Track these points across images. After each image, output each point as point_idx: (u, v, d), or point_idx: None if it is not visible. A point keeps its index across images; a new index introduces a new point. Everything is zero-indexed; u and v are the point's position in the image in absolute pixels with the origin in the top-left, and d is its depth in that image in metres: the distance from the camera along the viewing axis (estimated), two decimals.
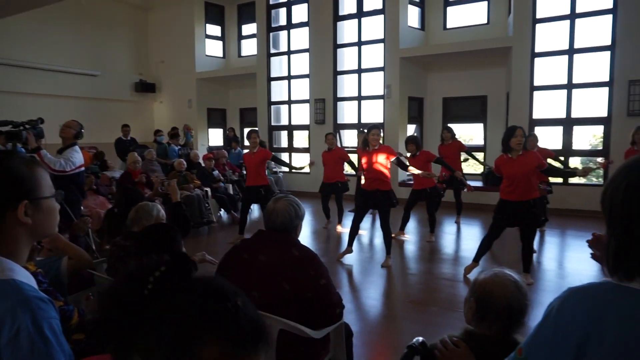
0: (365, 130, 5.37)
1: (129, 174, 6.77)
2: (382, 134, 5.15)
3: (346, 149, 7.88)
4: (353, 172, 7.58)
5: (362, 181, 5.40)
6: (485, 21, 9.22)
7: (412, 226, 7.22)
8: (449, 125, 9.84)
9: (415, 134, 6.39)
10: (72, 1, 10.13)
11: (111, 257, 2.66)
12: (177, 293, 0.73)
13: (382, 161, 5.05)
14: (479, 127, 9.77)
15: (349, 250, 5.48)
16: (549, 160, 6.21)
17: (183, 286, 0.74)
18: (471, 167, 10.53)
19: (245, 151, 7.10)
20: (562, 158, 7.21)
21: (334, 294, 2.16)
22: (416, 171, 5.31)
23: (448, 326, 3.57)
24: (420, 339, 1.50)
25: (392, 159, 5.07)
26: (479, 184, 9.09)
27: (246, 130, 12.72)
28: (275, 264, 2.14)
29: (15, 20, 8.81)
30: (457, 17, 9.59)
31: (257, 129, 7.15)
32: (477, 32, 9.09)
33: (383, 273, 5.01)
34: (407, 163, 5.33)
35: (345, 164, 7.17)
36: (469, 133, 11.24)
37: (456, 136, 7.42)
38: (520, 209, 4.39)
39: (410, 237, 6.61)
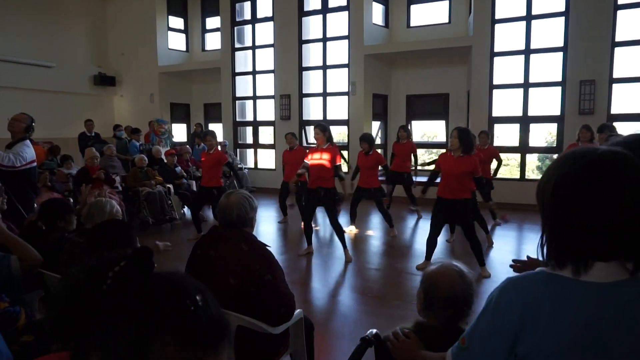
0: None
1: (87, 170, 6.54)
2: (325, 134, 5.18)
3: (312, 145, 7.88)
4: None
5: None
6: (447, 20, 9.43)
7: (376, 221, 7.34)
8: (412, 122, 10.13)
9: (368, 132, 6.56)
10: None
11: (64, 254, 2.58)
12: (135, 289, 0.71)
13: (325, 160, 5.12)
14: (441, 124, 10.00)
15: (310, 249, 5.55)
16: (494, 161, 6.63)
17: (142, 282, 0.72)
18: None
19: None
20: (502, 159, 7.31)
21: (282, 292, 2.12)
22: (345, 188, 5.30)
23: (408, 318, 3.66)
24: (374, 330, 1.54)
25: (338, 163, 5.15)
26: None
27: (211, 126, 12.61)
28: (223, 258, 2.14)
29: None
30: (420, 15, 9.76)
31: (213, 130, 7.12)
32: (439, 31, 9.29)
33: (344, 268, 5.07)
34: (342, 175, 5.27)
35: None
36: (433, 130, 11.52)
37: (412, 136, 7.60)
38: (452, 207, 4.62)
39: (375, 232, 6.70)
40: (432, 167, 6.03)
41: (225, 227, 2.23)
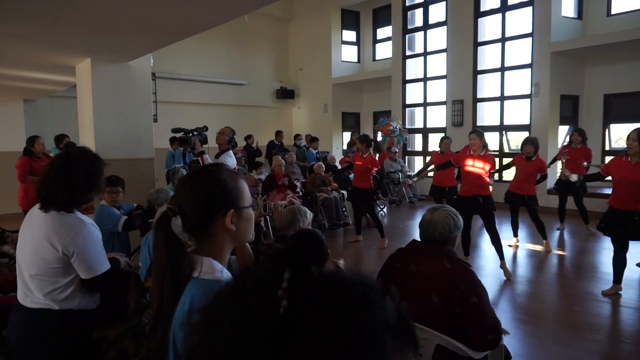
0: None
1: (273, 176, 7.27)
2: (483, 140, 5.02)
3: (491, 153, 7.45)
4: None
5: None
6: None
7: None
8: (611, 125, 8.73)
9: (535, 137, 6.00)
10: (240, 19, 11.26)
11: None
12: (324, 302, 0.53)
13: (480, 168, 4.94)
14: None
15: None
16: None
17: (323, 291, 0.55)
18: None
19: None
20: None
21: (487, 317, 1.98)
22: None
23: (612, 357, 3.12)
24: None
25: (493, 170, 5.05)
26: None
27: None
28: (426, 275, 2.09)
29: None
30: (624, 0, 8.35)
31: (367, 134, 7.27)
32: None
33: (502, 285, 4.58)
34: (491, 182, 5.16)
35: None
36: None
37: (587, 141, 6.65)
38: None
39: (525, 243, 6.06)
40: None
41: (426, 243, 2.19)
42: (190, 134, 4.96)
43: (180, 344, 1.12)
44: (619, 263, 4.21)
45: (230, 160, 4.89)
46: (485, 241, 5.82)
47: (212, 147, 5.23)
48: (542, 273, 5.22)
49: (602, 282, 4.66)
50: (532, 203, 5.76)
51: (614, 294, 4.25)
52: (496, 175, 6.39)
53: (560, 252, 5.89)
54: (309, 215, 2.92)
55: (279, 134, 10.36)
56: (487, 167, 4.93)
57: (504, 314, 3.94)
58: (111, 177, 3.66)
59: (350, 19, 12.92)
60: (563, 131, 9.00)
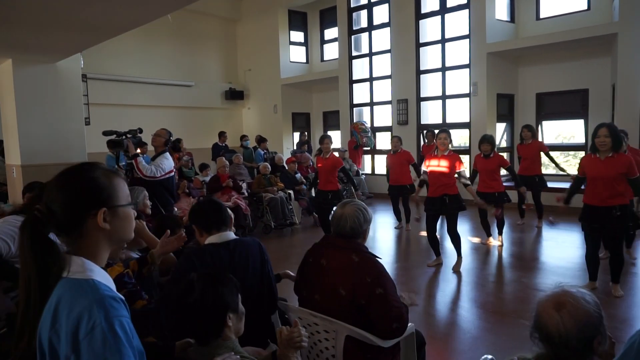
0: (436, 131, 5.28)
1: (218, 177, 7.18)
2: (450, 139, 5.08)
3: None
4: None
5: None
6: (586, 7, 8.41)
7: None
8: (543, 122, 9.24)
9: (490, 134, 6.06)
10: (172, 19, 11.02)
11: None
12: None
13: (446, 167, 4.98)
14: (579, 123, 8.93)
15: (439, 259, 5.33)
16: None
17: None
18: (572, 166, 9.66)
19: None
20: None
21: (393, 306, 2.04)
22: (471, 196, 5.29)
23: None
24: (489, 357, 1.40)
25: (459, 170, 4.99)
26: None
27: (332, 134, 13.00)
28: (334, 269, 2.13)
29: (121, 40, 9.77)
30: (552, 5, 8.86)
31: (329, 134, 7.15)
32: (576, 20, 8.33)
33: (471, 281, 4.77)
34: (468, 182, 5.11)
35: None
36: (570, 130, 10.32)
37: (537, 136, 6.96)
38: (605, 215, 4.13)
39: (498, 241, 6.21)
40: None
41: (337, 237, 2.24)
42: (124, 137, 4.83)
43: (47, 345, 1.10)
44: (592, 261, 4.24)
45: (167, 162, 4.81)
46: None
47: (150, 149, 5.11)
48: (488, 265, 5.40)
49: (545, 273, 4.98)
50: (503, 200, 5.84)
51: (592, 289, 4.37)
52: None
53: (513, 248, 6.11)
54: None
55: (222, 135, 10.23)
56: (456, 165, 4.94)
57: (446, 304, 4.09)
58: (30, 183, 3.49)
59: (297, 20, 12.97)
60: (500, 128, 9.43)
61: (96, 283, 1.15)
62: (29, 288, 1.16)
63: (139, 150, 4.76)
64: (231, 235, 2.28)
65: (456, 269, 5.03)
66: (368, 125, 10.96)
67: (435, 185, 5.05)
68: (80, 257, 1.19)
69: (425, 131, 9.29)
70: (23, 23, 3.75)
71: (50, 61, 4.97)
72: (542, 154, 6.81)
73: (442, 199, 4.98)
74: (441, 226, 6.47)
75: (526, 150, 6.79)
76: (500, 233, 6.03)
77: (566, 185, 5.64)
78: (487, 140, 5.86)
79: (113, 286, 1.22)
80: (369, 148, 10.94)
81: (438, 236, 5.35)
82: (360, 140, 10.60)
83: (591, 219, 4.10)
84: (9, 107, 5.11)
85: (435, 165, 5.05)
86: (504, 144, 9.52)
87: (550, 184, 7.07)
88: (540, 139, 8.99)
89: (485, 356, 1.41)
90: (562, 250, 5.88)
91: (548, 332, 1.28)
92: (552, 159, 6.78)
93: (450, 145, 5.08)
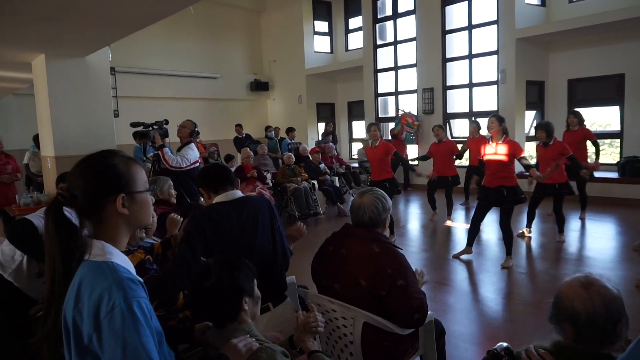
0: (480, 120, 5.04)
1: (242, 168, 7.28)
2: (502, 124, 4.66)
3: (455, 140, 7.55)
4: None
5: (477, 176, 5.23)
6: None
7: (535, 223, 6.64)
8: (575, 110, 8.91)
9: (546, 120, 5.61)
10: (195, 11, 11.16)
11: None
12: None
13: (504, 155, 4.61)
14: (614, 110, 8.58)
15: (469, 250, 5.14)
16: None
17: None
18: (608, 155, 9.32)
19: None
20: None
21: (413, 297, 2.03)
22: (537, 174, 4.70)
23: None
24: (505, 344, 1.39)
25: (521, 155, 4.61)
26: (614, 174, 8.04)
27: (354, 124, 13.00)
28: (355, 258, 2.13)
29: (147, 34, 9.98)
30: None
31: (376, 122, 6.68)
32: (609, 2, 7.97)
33: (498, 272, 4.68)
34: (532, 164, 4.70)
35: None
36: (605, 118, 9.93)
37: (584, 123, 6.63)
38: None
39: (535, 235, 6.05)
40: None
41: (356, 227, 2.24)
42: (150, 128, 4.95)
43: (71, 324, 1.16)
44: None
45: (192, 153, 4.89)
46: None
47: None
48: (519, 257, 5.32)
49: (575, 264, 4.87)
50: (564, 191, 5.43)
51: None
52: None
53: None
54: None
55: (238, 127, 10.35)
56: (516, 153, 4.56)
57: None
58: (63, 174, 3.61)
59: (322, 10, 12.90)
60: (530, 116, 9.17)
61: (115, 265, 1.19)
62: (54, 270, 1.22)
63: (167, 140, 4.85)
64: (238, 193, 2.29)
65: (506, 266, 4.74)
66: (417, 122, 10.27)
67: (492, 175, 4.70)
68: (100, 240, 1.24)
69: (469, 121, 8.77)
70: (54, 20, 3.87)
71: (80, 55, 5.12)
72: (588, 142, 6.52)
73: (499, 190, 4.65)
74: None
75: (571, 137, 6.48)
76: (560, 231, 5.58)
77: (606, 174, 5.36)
78: (542, 127, 5.44)
79: (132, 269, 1.27)
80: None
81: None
82: (396, 130, 10.19)
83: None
84: (42, 101, 5.31)
85: (491, 153, 4.70)
86: (533, 132, 9.25)
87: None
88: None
89: (501, 343, 1.40)
90: (593, 241, 5.71)
91: (574, 310, 1.27)
92: (597, 147, 6.47)
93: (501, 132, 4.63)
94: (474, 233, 5.06)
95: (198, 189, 2.46)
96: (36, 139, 7.22)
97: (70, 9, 3.59)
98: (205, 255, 2.09)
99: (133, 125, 4.91)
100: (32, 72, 5.59)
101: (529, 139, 9.14)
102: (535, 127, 5.64)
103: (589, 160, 6.45)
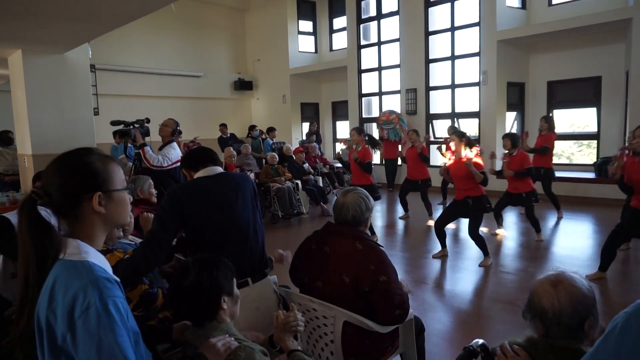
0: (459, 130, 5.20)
1: (225, 167, 7.23)
2: (461, 140, 4.80)
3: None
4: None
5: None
6: None
7: (510, 221, 6.76)
8: (554, 111, 9.08)
9: (512, 132, 5.84)
10: (179, 9, 11.05)
11: None
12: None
13: (466, 172, 4.66)
14: (592, 111, 8.78)
15: (444, 251, 5.21)
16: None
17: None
18: (586, 156, 9.53)
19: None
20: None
21: (396, 294, 2.06)
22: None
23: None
24: (480, 341, 1.41)
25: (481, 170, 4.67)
26: (591, 175, 8.23)
27: (338, 124, 13.03)
28: (338, 256, 2.14)
29: (129, 31, 9.85)
30: None
31: (358, 127, 6.72)
32: (588, 6, 8.15)
33: (476, 271, 4.75)
34: (482, 177, 4.70)
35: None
36: (583, 119, 10.14)
37: (554, 129, 6.76)
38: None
39: (512, 234, 6.15)
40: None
41: (340, 225, 2.25)
42: (131, 126, 4.88)
43: (44, 323, 1.14)
44: (439, 233, 5.05)
45: (174, 152, 4.84)
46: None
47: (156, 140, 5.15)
48: (496, 256, 5.39)
49: (553, 263, 5.01)
50: (530, 200, 5.52)
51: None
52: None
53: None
54: None
55: (222, 126, 10.31)
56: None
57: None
58: (39, 172, 3.55)
59: (306, 9, 12.89)
60: (510, 117, 9.32)
61: (91, 264, 1.18)
62: (27, 269, 1.19)
63: (148, 139, 4.80)
64: (219, 169, 2.31)
65: (484, 264, 4.82)
66: (398, 112, 10.17)
67: (458, 190, 4.82)
68: (76, 239, 1.22)
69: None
70: (31, 14, 3.79)
71: (59, 52, 5.02)
72: (555, 144, 6.71)
73: (466, 201, 4.74)
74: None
75: (541, 141, 6.70)
76: (537, 231, 5.66)
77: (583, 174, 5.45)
78: (508, 136, 5.59)
79: (109, 268, 1.25)
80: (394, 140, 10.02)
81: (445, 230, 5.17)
82: (380, 133, 10.08)
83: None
84: (19, 98, 5.19)
85: (455, 168, 4.79)
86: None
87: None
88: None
89: (477, 340, 1.42)
90: (570, 240, 5.83)
91: (542, 307, 1.31)
92: (543, 152, 6.59)
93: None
94: (442, 236, 5.12)
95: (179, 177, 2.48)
96: (1, 136, 7.03)
97: (45, 3, 3.51)
98: (187, 228, 2.11)
99: (113, 123, 4.83)
100: (8, 68, 5.46)
101: None
102: (503, 136, 5.76)
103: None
